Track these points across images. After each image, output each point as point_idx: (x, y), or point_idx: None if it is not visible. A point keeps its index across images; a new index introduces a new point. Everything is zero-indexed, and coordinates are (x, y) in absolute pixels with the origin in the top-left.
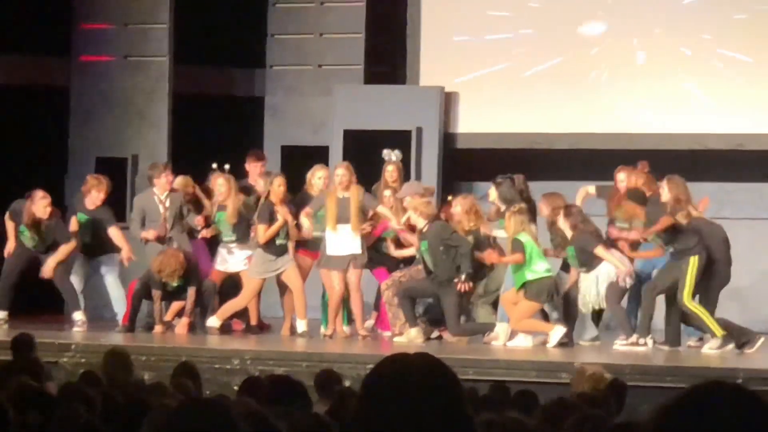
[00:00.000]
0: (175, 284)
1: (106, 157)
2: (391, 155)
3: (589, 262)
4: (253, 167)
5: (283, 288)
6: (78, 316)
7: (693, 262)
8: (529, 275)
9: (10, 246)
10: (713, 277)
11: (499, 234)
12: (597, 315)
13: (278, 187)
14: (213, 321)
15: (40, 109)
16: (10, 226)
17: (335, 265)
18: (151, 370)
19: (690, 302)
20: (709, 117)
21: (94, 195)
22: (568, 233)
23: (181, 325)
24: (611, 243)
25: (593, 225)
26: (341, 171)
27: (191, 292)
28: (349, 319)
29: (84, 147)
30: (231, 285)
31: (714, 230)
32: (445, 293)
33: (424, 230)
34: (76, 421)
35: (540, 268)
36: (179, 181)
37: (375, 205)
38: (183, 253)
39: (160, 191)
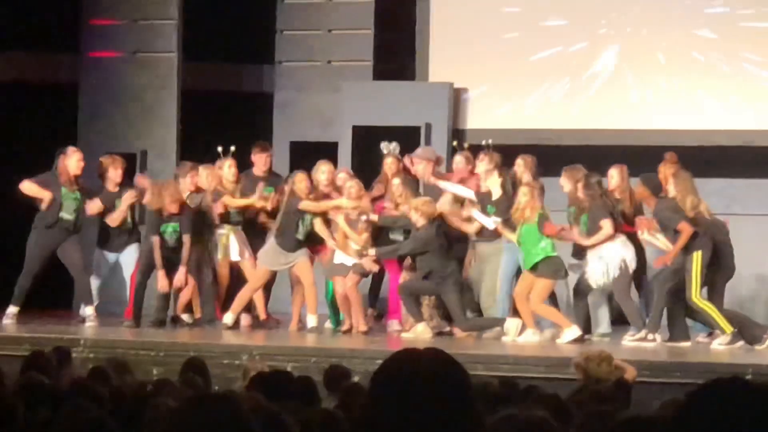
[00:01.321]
0: (172, 225)
1: (115, 152)
2: (389, 147)
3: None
4: (258, 158)
5: (295, 283)
6: (89, 311)
7: (696, 258)
8: (540, 254)
9: (46, 196)
10: (718, 271)
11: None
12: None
13: (299, 183)
14: (228, 317)
15: (49, 106)
16: (37, 189)
17: (338, 272)
18: (159, 366)
19: (698, 299)
20: (717, 113)
21: (112, 173)
22: (586, 203)
23: (180, 276)
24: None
25: (611, 200)
26: (351, 183)
27: (186, 239)
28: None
29: (93, 143)
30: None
31: (717, 225)
32: (443, 291)
33: (419, 229)
34: (84, 416)
35: (546, 246)
36: (205, 172)
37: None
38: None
39: (184, 190)
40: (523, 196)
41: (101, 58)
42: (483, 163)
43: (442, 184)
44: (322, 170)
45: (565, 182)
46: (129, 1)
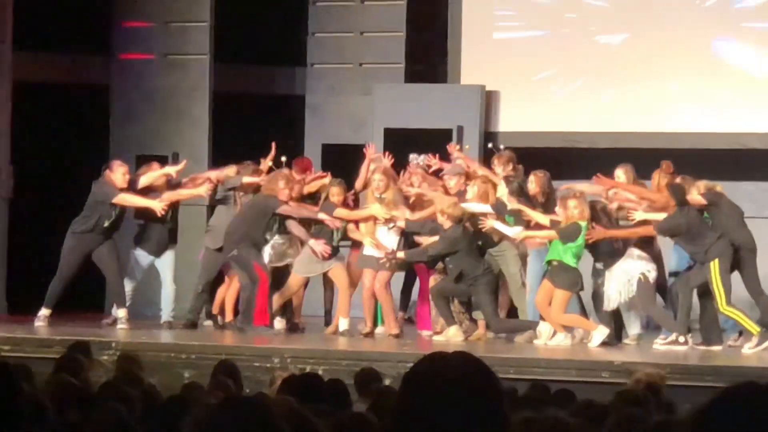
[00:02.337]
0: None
1: (147, 155)
2: (418, 160)
3: (603, 258)
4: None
5: (329, 286)
6: (121, 313)
7: (714, 267)
8: (567, 254)
9: (156, 206)
10: (743, 260)
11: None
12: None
13: (333, 196)
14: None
15: (81, 108)
16: (141, 200)
17: (368, 264)
18: (191, 369)
19: (725, 308)
20: (749, 116)
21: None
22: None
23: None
24: (634, 242)
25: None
26: (378, 176)
27: (291, 224)
28: (382, 319)
29: (125, 145)
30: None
31: (732, 205)
32: (475, 292)
33: (446, 230)
34: (114, 419)
35: (579, 247)
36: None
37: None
38: None
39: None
40: (574, 209)
41: (133, 60)
42: (499, 169)
43: (463, 205)
44: (375, 178)
45: (559, 210)
46: (161, 4)
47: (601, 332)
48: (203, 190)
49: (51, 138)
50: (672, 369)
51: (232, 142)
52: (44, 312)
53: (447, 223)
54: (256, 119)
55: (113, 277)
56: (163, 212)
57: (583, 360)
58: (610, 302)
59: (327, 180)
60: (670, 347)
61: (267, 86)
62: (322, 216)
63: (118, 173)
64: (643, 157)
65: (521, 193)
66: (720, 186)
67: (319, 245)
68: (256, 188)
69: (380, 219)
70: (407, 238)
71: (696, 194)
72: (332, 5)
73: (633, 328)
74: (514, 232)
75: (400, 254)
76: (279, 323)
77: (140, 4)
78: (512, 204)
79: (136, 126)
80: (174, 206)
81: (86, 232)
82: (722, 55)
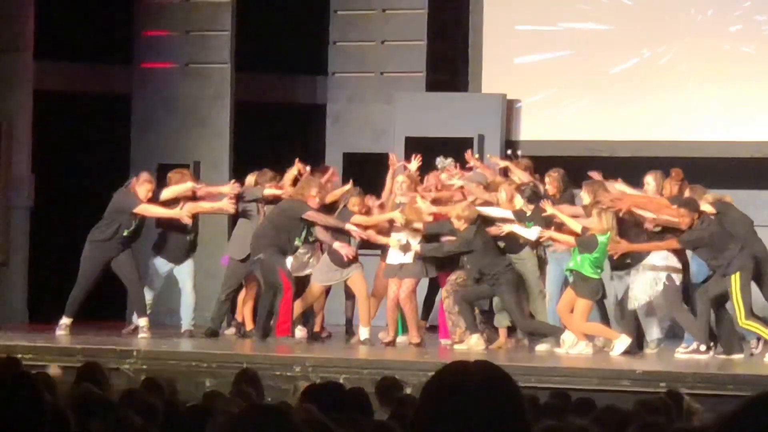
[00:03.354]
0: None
1: (168, 163)
2: (444, 162)
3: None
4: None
5: (351, 295)
6: (142, 322)
7: (735, 280)
8: (587, 264)
9: (181, 215)
10: (760, 270)
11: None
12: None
13: (353, 206)
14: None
15: (102, 117)
16: (164, 210)
17: (389, 273)
18: (213, 377)
19: (744, 322)
20: None
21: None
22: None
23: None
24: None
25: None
26: (402, 178)
27: (318, 231)
28: (404, 329)
29: (146, 154)
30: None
31: (744, 219)
32: (500, 292)
33: (462, 232)
34: (133, 428)
35: (599, 258)
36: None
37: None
38: None
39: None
40: (594, 218)
41: (154, 69)
42: (515, 177)
43: (482, 209)
44: (399, 180)
45: (585, 195)
46: (182, 13)
47: (623, 341)
48: (225, 205)
49: (72, 147)
50: (693, 378)
51: (253, 150)
52: (65, 321)
53: (463, 226)
54: (278, 128)
55: (133, 285)
56: (188, 220)
57: (605, 369)
58: (635, 301)
59: (348, 187)
60: (692, 356)
61: (288, 95)
62: (349, 227)
63: (143, 188)
64: (664, 166)
65: (535, 198)
66: (729, 197)
67: (344, 248)
68: (277, 199)
69: (399, 223)
70: (428, 242)
71: (705, 205)
72: (353, 14)
73: (652, 333)
74: (533, 233)
75: (416, 247)
76: (300, 332)
77: (162, 13)
78: (549, 208)
79: (157, 135)
80: (194, 216)
81: (105, 241)
82: (743, 64)
